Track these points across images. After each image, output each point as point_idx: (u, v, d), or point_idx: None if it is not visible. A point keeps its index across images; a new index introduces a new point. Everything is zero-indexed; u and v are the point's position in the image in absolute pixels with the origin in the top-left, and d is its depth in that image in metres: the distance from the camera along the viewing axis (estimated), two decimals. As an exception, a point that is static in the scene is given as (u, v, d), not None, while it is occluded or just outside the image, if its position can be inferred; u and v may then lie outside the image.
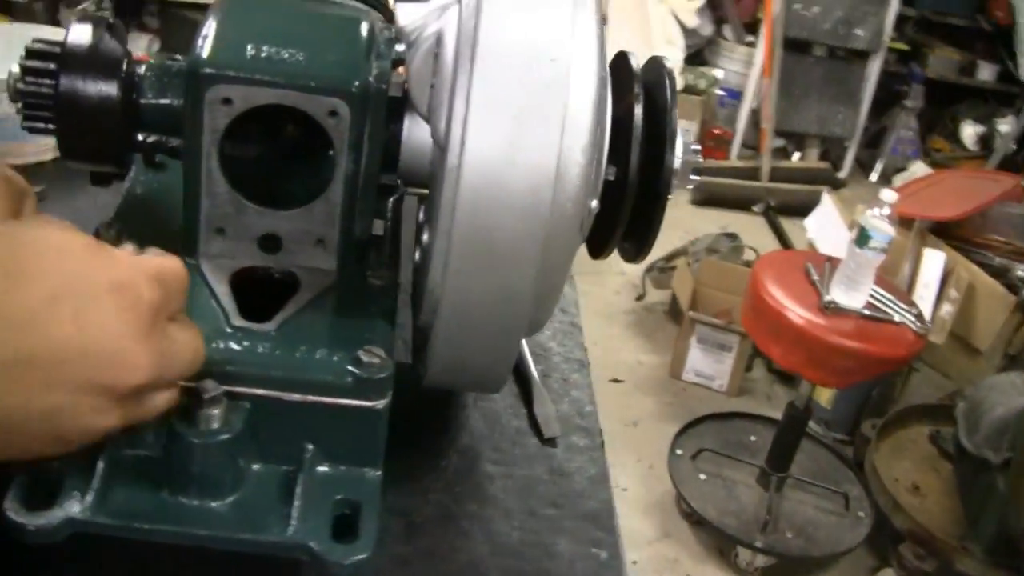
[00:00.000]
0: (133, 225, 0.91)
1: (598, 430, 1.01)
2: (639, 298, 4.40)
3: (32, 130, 0.87)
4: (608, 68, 0.85)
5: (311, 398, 0.79)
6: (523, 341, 1.07)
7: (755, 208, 5.14)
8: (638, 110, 0.86)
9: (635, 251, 0.92)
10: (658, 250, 4.54)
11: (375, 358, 0.79)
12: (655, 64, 0.90)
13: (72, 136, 0.85)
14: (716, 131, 5.71)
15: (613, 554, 0.86)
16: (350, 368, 0.79)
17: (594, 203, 0.83)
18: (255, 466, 0.81)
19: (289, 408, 0.79)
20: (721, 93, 5.79)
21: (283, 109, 0.82)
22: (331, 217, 0.87)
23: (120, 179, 0.96)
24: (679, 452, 3.32)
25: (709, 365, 3.85)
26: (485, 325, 0.78)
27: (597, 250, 0.91)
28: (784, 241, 4.98)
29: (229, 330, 0.81)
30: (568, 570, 0.84)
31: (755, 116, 5.72)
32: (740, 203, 5.28)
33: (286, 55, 0.82)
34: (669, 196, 0.91)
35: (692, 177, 0.92)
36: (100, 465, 0.76)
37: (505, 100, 0.72)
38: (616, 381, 3.93)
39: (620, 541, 0.88)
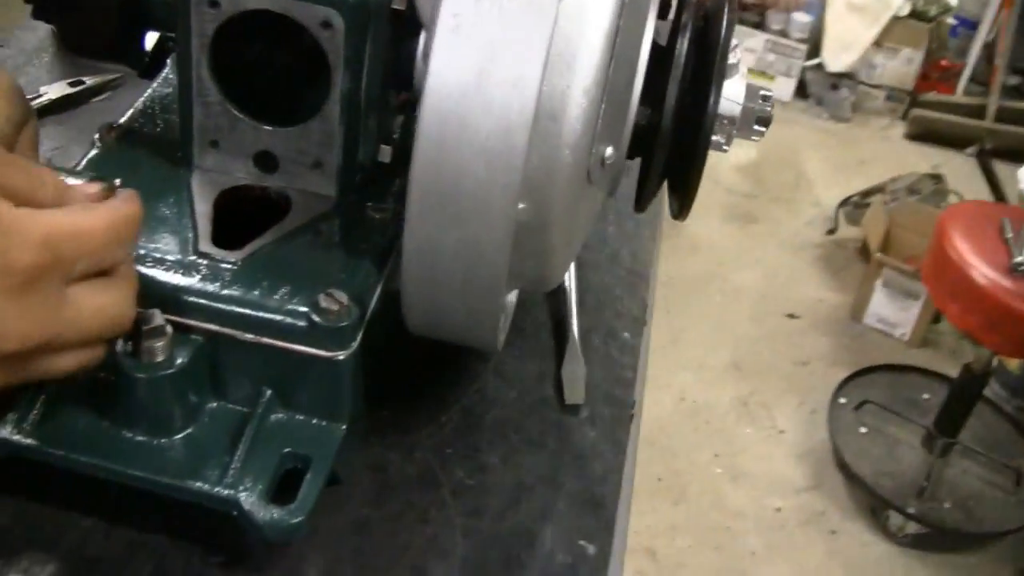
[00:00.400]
0: (142, 130, 0.86)
1: (631, 402, 0.90)
2: (830, 232, 4.14)
3: (39, 18, 0.82)
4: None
5: (265, 340, 0.72)
6: (571, 291, 0.97)
7: (967, 151, 4.73)
8: (682, 43, 0.73)
9: (677, 208, 0.79)
10: (859, 182, 4.27)
11: (334, 304, 0.71)
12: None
13: (72, 29, 0.79)
14: (944, 63, 5.25)
15: (603, 550, 0.76)
16: (306, 312, 0.71)
17: (608, 150, 0.71)
18: (213, 404, 0.75)
19: (243, 348, 0.72)
20: (953, 22, 5.29)
21: (276, 16, 0.73)
22: (328, 139, 0.78)
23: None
24: (842, 400, 3.13)
25: (893, 311, 3.59)
26: (452, 281, 0.68)
27: (636, 201, 0.79)
28: (997, 190, 4.57)
29: (191, 257, 0.74)
30: (545, 563, 0.75)
31: (989, 50, 5.22)
32: (959, 141, 4.86)
33: (281, -43, 0.73)
34: (724, 148, 0.78)
35: (757, 128, 0.78)
36: (48, 389, 0.72)
37: (474, 20, 0.61)
38: (792, 317, 3.73)
39: (616, 537, 0.78)
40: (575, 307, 0.95)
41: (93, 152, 0.82)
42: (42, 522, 0.73)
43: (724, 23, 0.75)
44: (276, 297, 0.72)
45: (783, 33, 4.99)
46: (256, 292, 0.72)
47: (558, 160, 0.67)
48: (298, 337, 0.71)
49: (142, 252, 0.74)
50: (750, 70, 4.95)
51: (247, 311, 0.71)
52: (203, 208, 0.78)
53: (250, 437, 0.72)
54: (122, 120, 0.85)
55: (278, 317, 0.71)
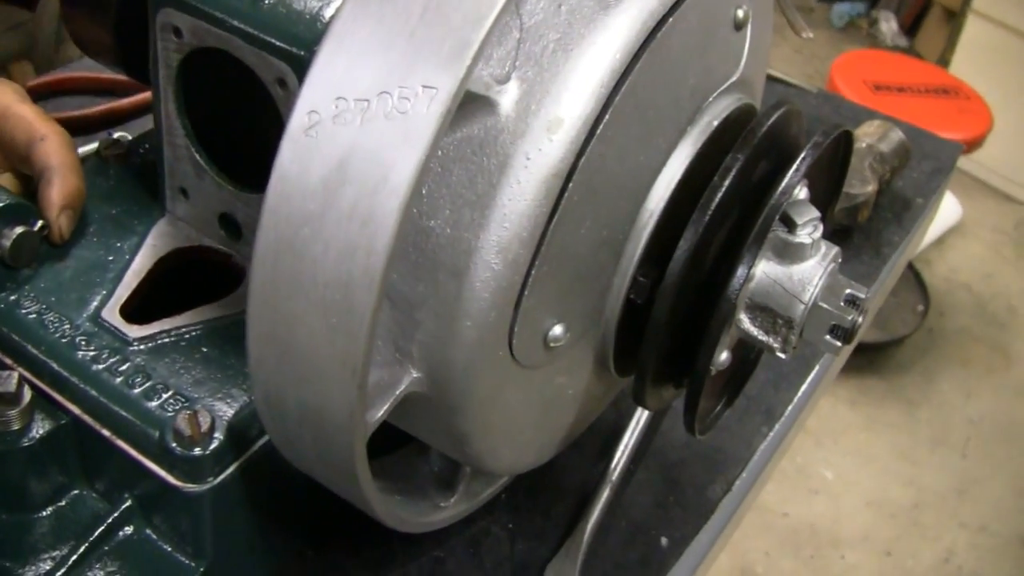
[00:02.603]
0: (144, 156, 0.75)
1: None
2: None
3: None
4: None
5: (119, 442, 0.59)
6: (613, 470, 0.76)
7: None
8: (716, 189, 0.52)
9: (686, 419, 0.58)
10: None
11: (191, 427, 0.56)
12: (782, 118, 0.54)
13: (74, 22, 0.70)
14: None
15: None
16: (159, 433, 0.57)
17: (556, 329, 0.52)
18: (79, 490, 0.63)
19: (103, 442, 0.60)
20: None
21: (239, 65, 0.60)
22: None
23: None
24: None
25: None
26: (304, 443, 0.52)
27: (633, 396, 0.59)
28: None
29: (87, 322, 0.63)
30: None
31: None
32: None
33: (253, -12, 0.59)
34: (780, 354, 0.56)
35: (830, 341, 0.55)
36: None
37: (334, 121, 0.44)
38: None
39: None
40: (607, 493, 0.74)
41: (86, 163, 0.73)
42: None
43: (792, 172, 0.52)
44: (147, 398, 0.59)
45: None
46: (128, 384, 0.60)
47: (456, 332, 0.49)
48: (152, 453, 0.58)
49: (42, 303, 0.63)
50: None
51: (109, 403, 0.59)
52: (140, 265, 0.66)
53: (88, 547, 0.60)
54: (129, 138, 0.75)
55: (137, 423, 0.58)
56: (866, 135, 1.07)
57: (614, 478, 0.73)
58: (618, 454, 0.75)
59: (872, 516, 2.26)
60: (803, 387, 0.87)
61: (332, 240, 0.44)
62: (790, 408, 0.85)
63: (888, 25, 3.66)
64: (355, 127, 0.43)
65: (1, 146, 0.68)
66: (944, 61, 3.20)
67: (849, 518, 2.24)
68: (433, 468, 0.65)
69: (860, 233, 1.04)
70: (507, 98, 0.47)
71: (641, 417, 0.77)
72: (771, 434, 0.82)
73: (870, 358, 2.56)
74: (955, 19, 3.26)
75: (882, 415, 2.49)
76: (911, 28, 3.67)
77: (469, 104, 0.46)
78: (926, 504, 2.30)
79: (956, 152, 1.19)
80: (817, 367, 0.88)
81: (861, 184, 1.00)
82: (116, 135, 0.78)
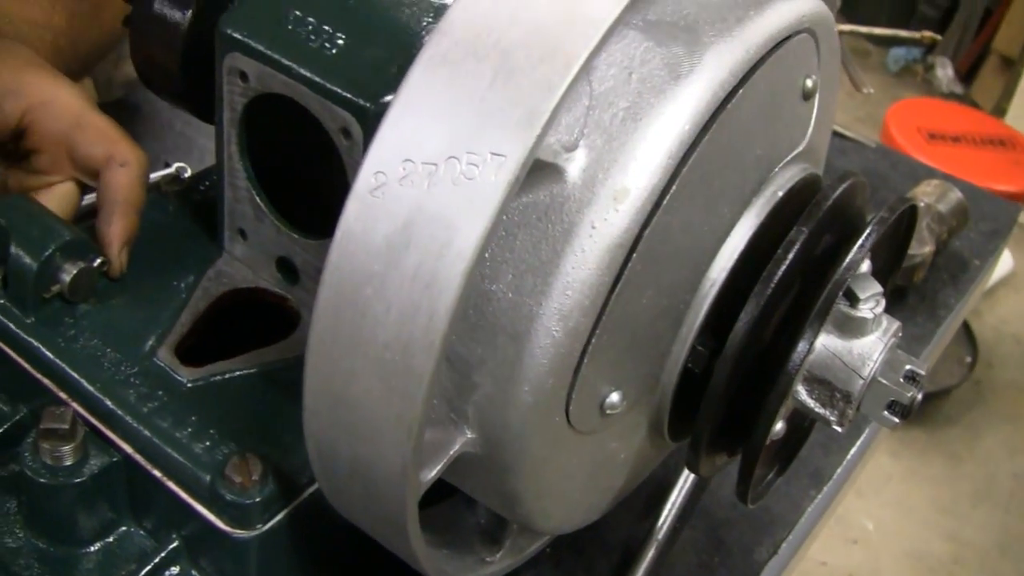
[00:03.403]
0: (205, 192, 0.76)
1: None
2: None
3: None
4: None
5: (169, 483, 0.59)
6: (659, 532, 0.75)
7: None
8: (780, 262, 0.51)
9: (739, 487, 0.57)
10: None
11: (241, 474, 0.56)
12: (847, 193, 0.54)
13: (141, 60, 0.71)
14: None
15: None
16: (210, 478, 0.57)
17: (613, 396, 0.51)
18: (127, 527, 0.64)
19: (153, 482, 0.60)
20: None
21: (304, 113, 0.60)
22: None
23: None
24: None
25: None
26: (353, 498, 0.52)
27: (687, 465, 0.59)
28: None
29: (143, 361, 0.63)
30: None
31: None
32: None
33: (320, 39, 0.60)
34: (835, 427, 0.55)
35: (887, 416, 0.55)
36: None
37: (401, 183, 0.44)
38: None
39: None
40: (652, 552, 0.73)
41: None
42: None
43: (857, 248, 0.52)
44: (198, 440, 0.59)
45: None
46: (179, 426, 0.60)
47: (513, 396, 0.48)
48: (201, 497, 0.58)
49: (98, 339, 0.64)
50: None
51: (160, 444, 0.59)
52: (195, 305, 0.67)
53: (145, 583, 0.60)
54: (189, 174, 0.75)
55: (187, 465, 0.58)
56: (924, 194, 1.06)
57: (660, 536, 0.73)
58: (665, 512, 0.74)
59: (911, 569, 2.23)
60: (852, 450, 0.86)
61: (394, 301, 0.44)
62: (839, 471, 0.84)
63: (944, 71, 3.63)
64: (422, 190, 0.43)
65: (72, 155, 0.68)
66: (1000, 110, 3.17)
67: (888, 570, 2.21)
68: (480, 521, 0.65)
69: (915, 294, 1.03)
70: (574, 166, 0.47)
71: (689, 476, 0.76)
72: (819, 497, 0.81)
73: (914, 409, 2.52)
74: (1013, 67, 3.23)
75: (924, 467, 2.45)
76: (967, 75, 3.64)
77: (536, 171, 0.46)
78: (966, 560, 2.26)
79: (1015, 213, 1.17)
80: (867, 431, 0.87)
81: (918, 245, 0.99)
82: (175, 166, 0.79)
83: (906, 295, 1.02)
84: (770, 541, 0.77)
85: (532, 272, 0.46)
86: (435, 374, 0.44)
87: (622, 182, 0.46)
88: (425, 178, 0.43)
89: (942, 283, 1.05)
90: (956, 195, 1.06)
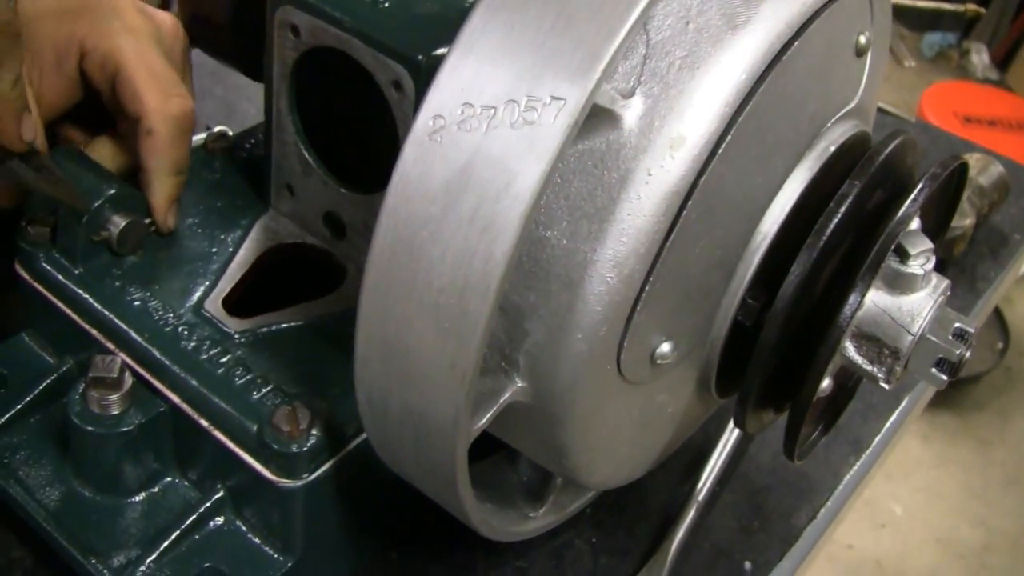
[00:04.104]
0: (250, 151, 0.76)
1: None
2: None
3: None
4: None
5: (216, 433, 0.60)
6: (703, 486, 0.75)
7: None
8: (830, 216, 0.51)
9: (786, 444, 0.57)
10: None
11: (289, 423, 0.57)
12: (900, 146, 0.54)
13: (189, 17, 0.71)
14: None
15: None
16: (257, 427, 0.58)
17: (664, 346, 0.51)
18: (172, 478, 0.64)
19: (200, 432, 0.60)
20: None
21: (355, 65, 0.60)
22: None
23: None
24: None
25: None
26: (403, 446, 0.52)
27: (734, 420, 0.59)
28: None
29: (189, 313, 0.64)
30: None
31: None
32: None
33: (375, -9, 0.60)
34: (882, 384, 0.55)
35: (936, 374, 0.54)
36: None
37: (459, 127, 0.44)
38: None
39: None
40: (692, 514, 0.73)
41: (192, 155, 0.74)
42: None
43: (909, 201, 0.52)
44: (246, 391, 0.60)
45: None
46: (228, 376, 0.60)
47: (566, 344, 0.48)
48: (248, 446, 0.59)
49: (146, 291, 0.64)
50: None
51: (209, 394, 0.60)
52: (242, 258, 0.67)
53: (179, 535, 0.61)
54: (233, 132, 0.76)
55: (235, 415, 0.59)
56: (966, 167, 1.05)
57: (700, 499, 0.73)
58: (705, 475, 0.74)
59: (940, 555, 2.22)
60: (892, 418, 0.85)
61: (450, 244, 0.44)
62: (878, 439, 0.84)
63: (979, 57, 3.60)
64: (480, 133, 0.43)
65: (116, 107, 0.68)
66: (1036, 96, 3.14)
67: (916, 555, 2.20)
68: (522, 478, 0.65)
69: (955, 267, 1.02)
70: (631, 113, 0.47)
71: (729, 439, 0.76)
72: (858, 464, 0.81)
73: (944, 394, 2.50)
74: (1050, 53, 3.20)
75: (954, 453, 2.44)
76: (1003, 61, 3.60)
77: (593, 117, 0.46)
78: (996, 546, 2.25)
79: (1056, 190, 1.16)
80: (906, 399, 0.87)
81: (959, 217, 0.98)
82: (216, 129, 0.79)
83: (946, 268, 1.01)
84: (809, 507, 0.77)
85: (587, 219, 0.46)
86: (490, 319, 0.44)
87: (678, 130, 0.46)
88: (484, 121, 0.44)
89: (981, 257, 1.05)
90: (998, 168, 1.05)
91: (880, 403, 0.85)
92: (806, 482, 0.78)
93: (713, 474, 0.75)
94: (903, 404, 0.86)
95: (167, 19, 0.71)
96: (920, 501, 2.32)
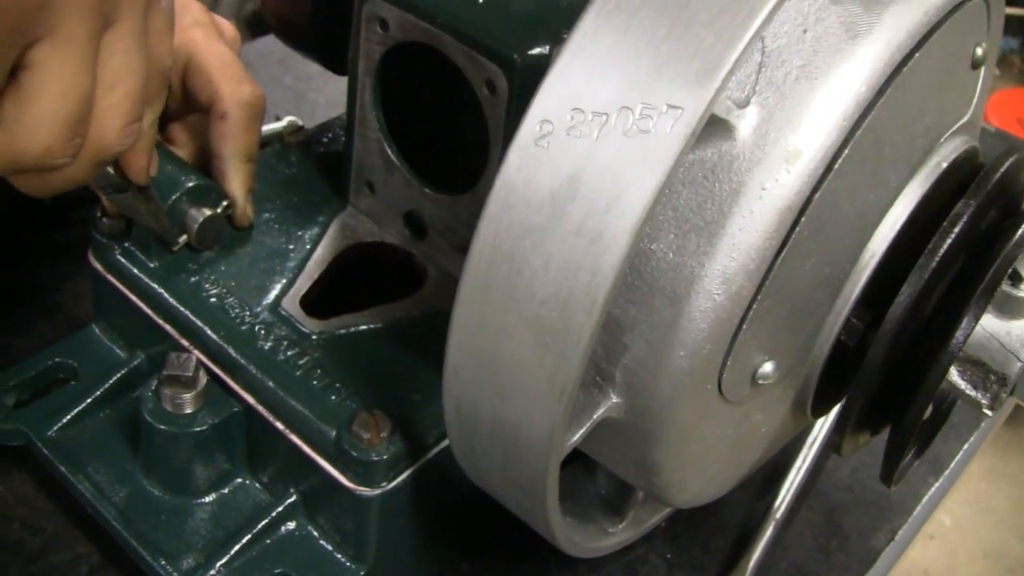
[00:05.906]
0: (328, 145, 0.75)
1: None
2: None
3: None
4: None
5: (292, 437, 0.58)
6: (779, 506, 0.73)
7: None
8: (943, 237, 0.49)
9: (883, 468, 0.55)
10: None
11: (369, 431, 0.55)
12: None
13: (273, 4, 0.69)
14: None
15: None
16: (336, 433, 0.56)
17: (767, 366, 0.49)
18: (243, 479, 0.63)
19: (275, 434, 0.59)
20: None
21: (446, 63, 0.59)
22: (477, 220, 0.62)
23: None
24: None
25: None
26: (491, 459, 0.50)
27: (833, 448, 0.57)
28: None
29: (266, 312, 0.62)
30: None
31: None
32: None
33: (468, -12, 0.58)
34: (986, 410, 0.53)
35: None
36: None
37: (567, 134, 0.42)
38: None
39: None
40: (770, 531, 0.71)
41: (268, 148, 0.72)
42: (44, 533, 0.65)
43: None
44: (325, 394, 0.58)
45: None
46: (306, 379, 0.59)
47: (667, 361, 0.47)
48: (325, 452, 0.57)
49: (223, 288, 0.63)
50: None
51: (286, 396, 0.58)
52: (320, 257, 0.66)
53: (250, 539, 0.60)
54: (302, 122, 0.74)
55: (313, 419, 0.57)
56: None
57: (778, 516, 0.71)
58: (783, 492, 0.72)
59: (988, 568, 2.18)
60: (971, 439, 0.83)
61: (555, 256, 0.42)
62: (957, 459, 0.81)
63: (1042, 62, 3.53)
64: (590, 141, 0.42)
65: (185, 96, 0.67)
66: (1099, 103, 3.07)
67: (964, 568, 2.16)
68: (600, 491, 0.64)
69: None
70: (745, 123, 0.45)
71: (807, 456, 0.74)
72: (937, 484, 0.79)
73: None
74: (1114, 60, 3.13)
75: (1004, 466, 2.40)
76: (1066, 66, 3.53)
77: (707, 126, 0.44)
78: (1045, 563, 2.21)
79: None
80: (985, 420, 0.84)
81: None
82: (286, 120, 0.78)
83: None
84: (888, 527, 0.75)
85: (696, 232, 0.45)
86: (594, 335, 0.42)
87: (794, 142, 0.44)
88: (595, 128, 0.42)
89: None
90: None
91: (961, 423, 0.82)
92: (885, 501, 0.76)
93: (791, 491, 0.72)
94: (983, 424, 0.84)
95: (226, 23, 0.71)
96: (969, 513, 2.28)
